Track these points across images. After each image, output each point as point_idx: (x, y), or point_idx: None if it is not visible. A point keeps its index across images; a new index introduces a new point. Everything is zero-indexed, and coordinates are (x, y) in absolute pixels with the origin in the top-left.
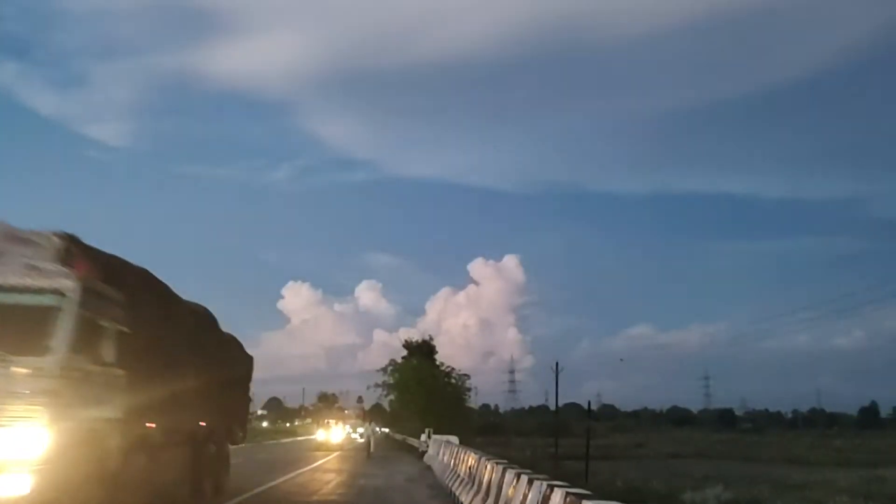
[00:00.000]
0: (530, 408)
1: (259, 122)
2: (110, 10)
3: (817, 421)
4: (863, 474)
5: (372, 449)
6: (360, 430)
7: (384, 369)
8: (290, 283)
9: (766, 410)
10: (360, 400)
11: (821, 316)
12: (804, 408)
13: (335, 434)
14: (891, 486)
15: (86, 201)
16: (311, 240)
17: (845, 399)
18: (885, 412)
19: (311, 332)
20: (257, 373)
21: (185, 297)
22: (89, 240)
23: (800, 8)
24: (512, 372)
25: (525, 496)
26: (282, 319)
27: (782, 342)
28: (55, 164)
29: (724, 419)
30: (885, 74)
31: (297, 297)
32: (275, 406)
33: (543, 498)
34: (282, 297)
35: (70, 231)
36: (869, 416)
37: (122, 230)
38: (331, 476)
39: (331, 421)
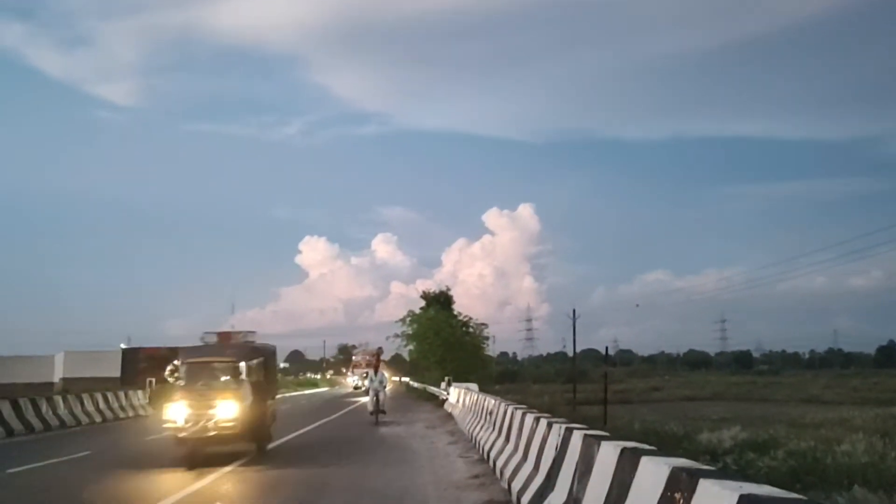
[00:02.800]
0: (548, 355)
1: (267, 78)
2: None
3: (834, 361)
4: (879, 412)
5: (382, 408)
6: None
7: (402, 320)
8: (307, 238)
9: (783, 352)
10: (380, 350)
11: (837, 257)
12: (821, 348)
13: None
14: None
15: (97, 160)
16: (325, 194)
17: (863, 339)
18: None
19: (329, 285)
20: (279, 328)
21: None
22: (100, 197)
23: None
24: (529, 320)
25: (545, 439)
26: (300, 274)
27: (798, 284)
28: (65, 124)
29: (741, 361)
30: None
31: (313, 252)
32: (296, 359)
33: (563, 440)
34: (299, 251)
35: None
36: (886, 354)
37: (134, 188)
38: (351, 426)
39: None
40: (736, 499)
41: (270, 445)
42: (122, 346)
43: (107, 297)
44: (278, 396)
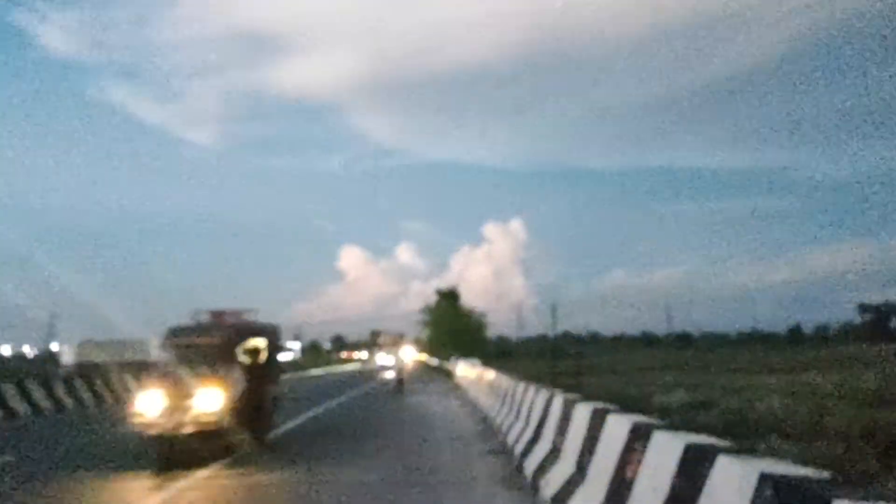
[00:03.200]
0: (535, 337)
1: (316, 122)
2: (200, 39)
3: (755, 339)
4: (789, 379)
5: (401, 376)
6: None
7: (421, 311)
8: (345, 247)
9: (716, 332)
10: (401, 336)
11: (758, 258)
12: (745, 329)
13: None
14: (811, 387)
15: (185, 191)
16: (360, 212)
17: (776, 322)
18: (807, 331)
19: (363, 284)
20: (324, 316)
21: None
22: (189, 215)
23: (732, 15)
24: (520, 309)
25: (533, 402)
26: (340, 275)
27: (728, 280)
28: (161, 160)
29: (683, 340)
30: (804, 70)
31: (350, 257)
32: (338, 341)
33: (547, 403)
34: (338, 258)
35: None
36: (794, 334)
37: (214, 208)
38: (380, 394)
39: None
40: (682, 446)
41: (275, 432)
42: None
43: (191, 293)
44: (321, 371)
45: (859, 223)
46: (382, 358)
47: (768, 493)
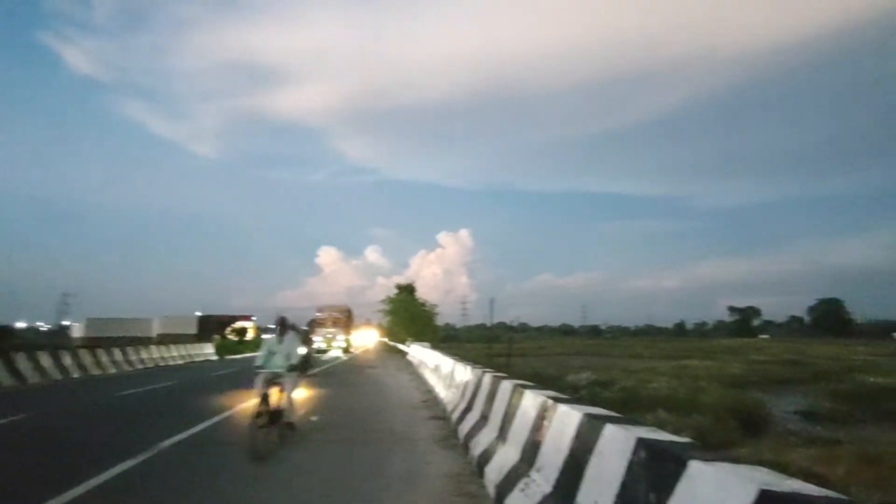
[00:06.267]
0: (476, 325)
1: (304, 143)
2: (207, 68)
3: (650, 331)
4: (674, 364)
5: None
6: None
7: (383, 301)
8: (323, 247)
9: (620, 325)
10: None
11: (656, 267)
12: (641, 324)
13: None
14: (690, 371)
15: (192, 195)
16: (338, 219)
17: (667, 318)
18: (689, 327)
19: (337, 278)
20: (304, 303)
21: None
22: (193, 215)
23: (648, 74)
24: (464, 303)
25: (468, 377)
26: (318, 269)
27: (632, 283)
28: (172, 169)
29: (594, 331)
30: (702, 120)
31: (327, 256)
32: (311, 324)
33: (478, 379)
34: (317, 255)
35: None
36: (679, 328)
37: (215, 210)
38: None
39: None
40: (580, 416)
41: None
42: (198, 313)
43: (192, 281)
44: None
45: (735, 243)
46: (319, 343)
47: (642, 454)
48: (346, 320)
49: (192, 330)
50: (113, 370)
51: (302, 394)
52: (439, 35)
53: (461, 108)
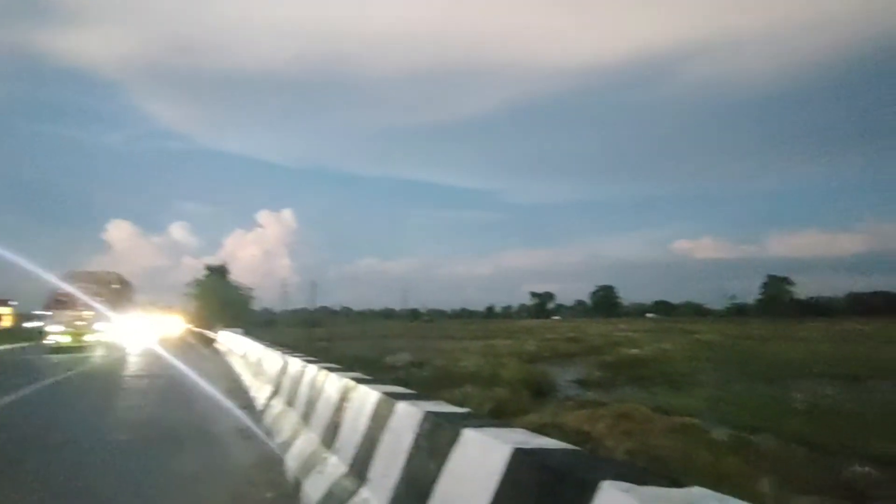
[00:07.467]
0: (297, 309)
1: (96, 95)
2: None
3: (463, 314)
4: (483, 343)
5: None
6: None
7: (189, 284)
8: (113, 220)
9: (437, 309)
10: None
11: (470, 255)
12: (457, 307)
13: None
14: (495, 349)
15: None
16: (137, 190)
17: (478, 302)
18: (497, 310)
19: (131, 256)
20: None
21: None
22: None
23: (472, 73)
24: (285, 286)
25: (276, 363)
26: (106, 247)
27: (448, 269)
28: None
29: (414, 314)
30: (519, 122)
31: (118, 231)
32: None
33: (285, 363)
34: (105, 230)
35: None
36: (490, 312)
37: None
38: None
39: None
40: (377, 396)
41: None
42: None
43: None
44: None
45: (536, 236)
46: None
47: (426, 426)
48: (115, 297)
49: None
50: None
51: None
52: None
53: (288, 81)
